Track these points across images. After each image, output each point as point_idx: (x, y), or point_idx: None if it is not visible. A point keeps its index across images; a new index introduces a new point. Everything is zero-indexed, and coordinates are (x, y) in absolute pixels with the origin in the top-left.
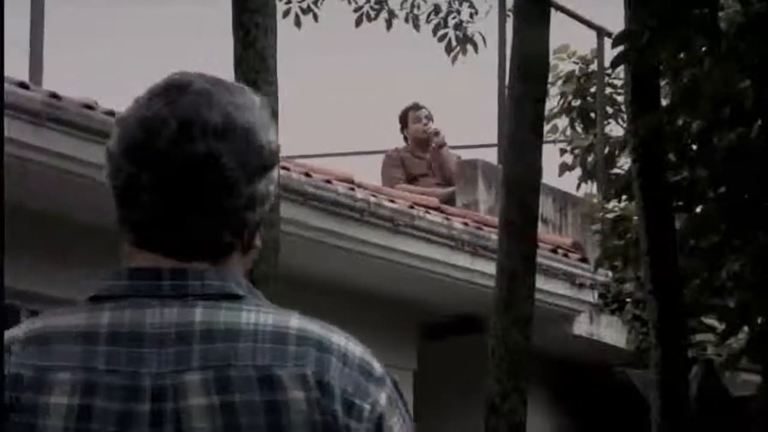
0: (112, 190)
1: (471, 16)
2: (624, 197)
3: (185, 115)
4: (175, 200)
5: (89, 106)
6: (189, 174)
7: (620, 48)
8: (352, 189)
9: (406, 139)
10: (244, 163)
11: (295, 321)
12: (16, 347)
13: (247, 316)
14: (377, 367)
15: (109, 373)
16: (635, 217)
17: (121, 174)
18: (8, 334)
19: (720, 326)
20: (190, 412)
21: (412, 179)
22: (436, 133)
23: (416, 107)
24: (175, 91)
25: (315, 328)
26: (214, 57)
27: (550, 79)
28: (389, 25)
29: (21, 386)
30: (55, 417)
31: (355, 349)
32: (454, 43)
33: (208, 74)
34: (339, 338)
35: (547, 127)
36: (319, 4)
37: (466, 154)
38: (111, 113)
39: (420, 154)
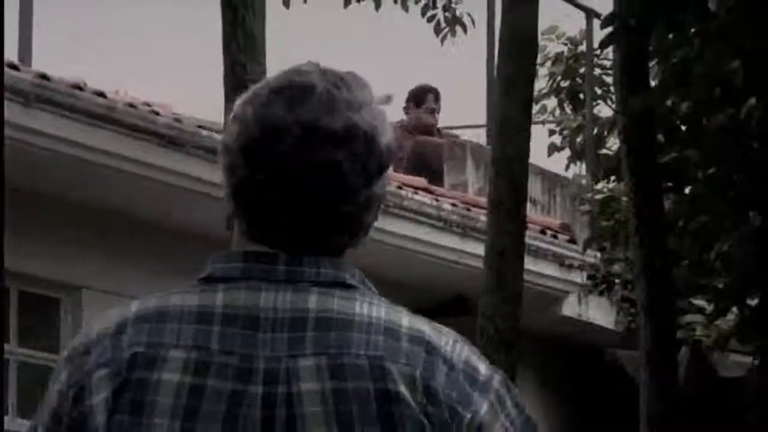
0: (227, 183)
1: None
2: (613, 178)
3: (308, 121)
4: (293, 204)
5: (78, 87)
6: (309, 180)
7: (609, 29)
8: None
9: (406, 111)
10: (363, 169)
11: (406, 318)
12: (129, 330)
13: (360, 307)
14: (483, 371)
15: (222, 354)
16: (624, 198)
17: (238, 172)
18: (120, 314)
19: (709, 307)
20: (302, 397)
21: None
22: (436, 121)
23: (436, 96)
24: (297, 94)
25: (425, 327)
26: (206, 32)
27: (538, 60)
28: (378, 5)
29: (134, 364)
30: (165, 394)
31: (462, 351)
32: (442, 24)
33: (328, 69)
34: (447, 339)
35: (535, 108)
36: None
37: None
38: (100, 94)
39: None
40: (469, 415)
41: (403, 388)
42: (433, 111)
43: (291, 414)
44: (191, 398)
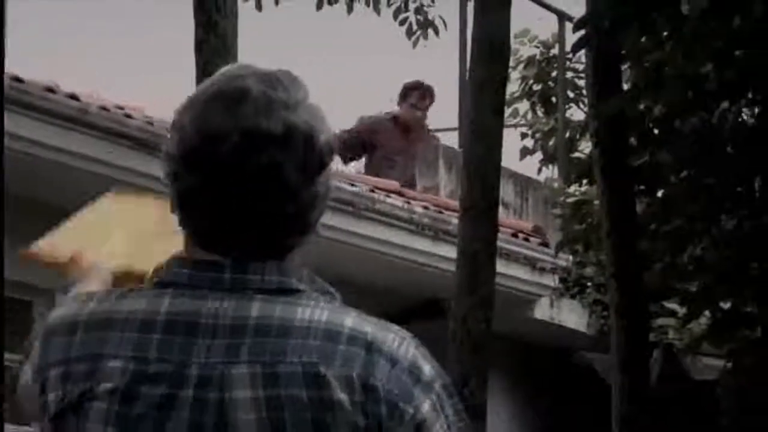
0: (171, 191)
1: (432, 0)
2: (585, 181)
3: (246, 125)
4: (237, 209)
5: (51, 90)
6: (251, 184)
7: (582, 32)
8: None
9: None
10: (304, 168)
11: (349, 320)
12: (80, 334)
13: (303, 312)
14: (427, 371)
15: (158, 362)
16: (596, 201)
17: (181, 180)
18: (76, 313)
19: (681, 310)
20: (235, 404)
21: (383, 158)
22: (424, 120)
23: (426, 94)
24: (233, 98)
25: (369, 327)
26: (179, 34)
27: (511, 64)
28: (350, 8)
29: (76, 373)
30: (101, 400)
31: (408, 350)
32: (414, 27)
33: (262, 70)
34: (393, 338)
35: (508, 111)
36: None
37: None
38: (73, 96)
39: (408, 132)
40: (411, 410)
41: (338, 393)
42: (414, 107)
43: (223, 421)
44: (123, 405)
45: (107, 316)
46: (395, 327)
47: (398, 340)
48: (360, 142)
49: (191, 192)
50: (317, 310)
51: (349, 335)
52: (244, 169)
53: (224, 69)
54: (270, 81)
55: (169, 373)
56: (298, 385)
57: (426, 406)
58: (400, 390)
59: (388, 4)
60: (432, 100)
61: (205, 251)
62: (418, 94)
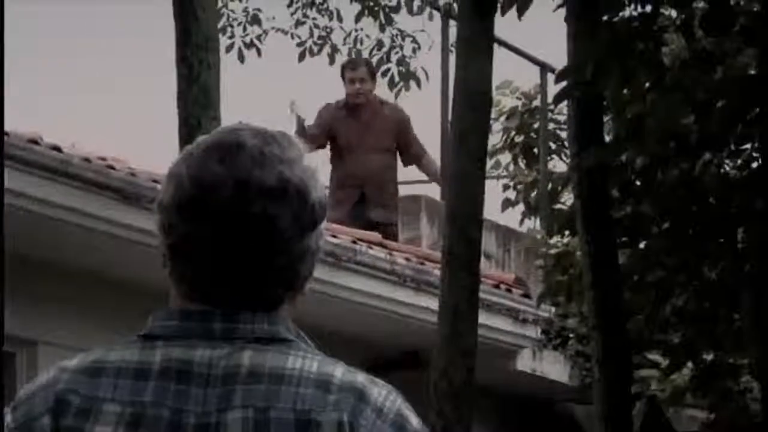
0: (163, 242)
1: (414, 51)
2: (567, 233)
3: (241, 176)
4: (229, 258)
5: (35, 141)
6: (244, 234)
7: (563, 83)
8: None
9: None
10: (296, 221)
11: (339, 370)
12: (66, 375)
13: (293, 361)
14: (413, 423)
15: (155, 406)
16: (578, 253)
17: (175, 230)
18: (60, 366)
19: (664, 362)
20: None
21: (341, 148)
22: (362, 93)
23: (352, 66)
24: (228, 151)
25: (358, 378)
26: (163, 87)
27: (493, 115)
28: (332, 60)
29: (67, 412)
30: None
31: (394, 403)
32: (397, 78)
33: (258, 127)
34: (380, 391)
35: (490, 163)
36: (262, 38)
37: (409, 190)
38: (56, 148)
39: (358, 114)
40: None
41: None
42: (352, 81)
43: None
44: None
45: (96, 365)
46: (381, 381)
47: (385, 392)
48: (323, 134)
49: (184, 241)
50: (307, 360)
51: (340, 385)
52: (238, 219)
53: (221, 127)
54: (265, 137)
55: (166, 418)
56: (290, 431)
57: None
58: None
59: (370, 55)
60: (369, 68)
61: (193, 302)
62: (348, 68)
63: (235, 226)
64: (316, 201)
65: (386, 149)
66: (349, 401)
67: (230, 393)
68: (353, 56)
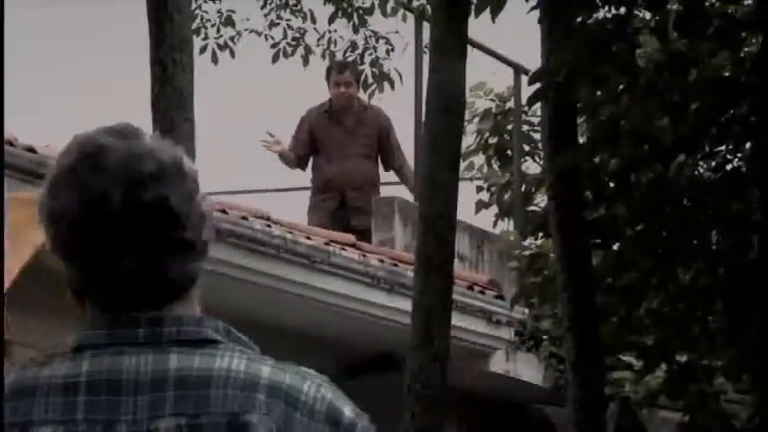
0: (76, 272)
1: (387, 52)
2: (541, 234)
3: (120, 173)
4: (143, 255)
5: (9, 143)
6: (147, 224)
7: (537, 85)
8: (269, 226)
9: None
10: (184, 195)
11: (266, 369)
12: (7, 405)
13: (221, 362)
14: (347, 414)
15: (87, 422)
16: (552, 255)
17: (82, 255)
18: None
19: (638, 363)
20: None
21: (323, 153)
22: (347, 97)
23: (339, 68)
24: (97, 157)
25: (286, 377)
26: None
27: (466, 117)
28: (306, 61)
29: None
30: None
31: (326, 396)
32: (370, 79)
33: (102, 127)
34: (309, 386)
35: (463, 165)
36: (235, 40)
37: (382, 192)
38: (31, 149)
39: (341, 119)
40: None
41: None
42: (337, 85)
43: None
44: None
45: (31, 383)
46: (312, 373)
47: (315, 387)
48: (307, 141)
49: (93, 258)
50: (234, 360)
51: (268, 386)
52: (136, 213)
53: (70, 143)
54: (117, 132)
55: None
56: None
57: None
58: None
59: (344, 57)
60: (354, 73)
61: (113, 311)
62: (335, 71)
63: (135, 220)
64: (193, 172)
65: (368, 155)
66: (279, 406)
67: (161, 400)
68: (331, 60)
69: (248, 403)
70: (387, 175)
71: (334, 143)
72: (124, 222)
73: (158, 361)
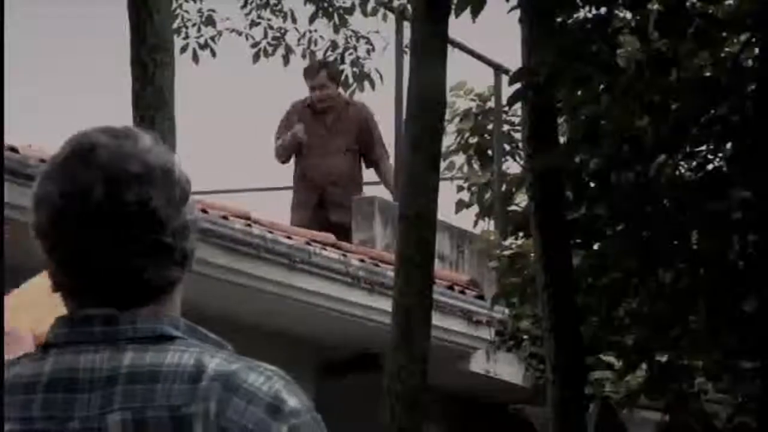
0: (51, 261)
1: (368, 52)
2: (521, 234)
3: (106, 171)
4: (119, 253)
5: None
6: (127, 224)
7: (518, 85)
8: (249, 225)
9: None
10: (169, 199)
11: (215, 361)
12: None
13: (172, 357)
14: (291, 404)
15: (43, 420)
16: (532, 255)
17: (65, 249)
18: None
19: (618, 363)
20: None
21: (304, 149)
22: (324, 99)
23: (311, 72)
24: (86, 154)
25: (232, 367)
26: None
27: (447, 116)
28: (286, 61)
29: None
30: None
31: (272, 387)
32: (351, 79)
33: (101, 127)
34: (256, 377)
35: (444, 164)
36: (216, 39)
37: (363, 191)
38: (13, 149)
39: (322, 116)
40: None
41: (198, 428)
42: (313, 88)
43: None
44: None
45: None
46: (264, 366)
47: (262, 378)
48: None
49: (71, 253)
50: (186, 354)
51: (211, 375)
52: (116, 212)
53: (68, 139)
54: (114, 133)
55: (53, 430)
56: (165, 428)
57: None
58: (255, 424)
59: (325, 57)
60: (329, 72)
61: (86, 306)
62: (308, 75)
63: (115, 219)
64: (180, 176)
65: (349, 150)
66: (216, 391)
67: (111, 395)
68: (311, 60)
69: (190, 395)
70: (369, 175)
71: (315, 139)
72: (103, 218)
73: (113, 358)
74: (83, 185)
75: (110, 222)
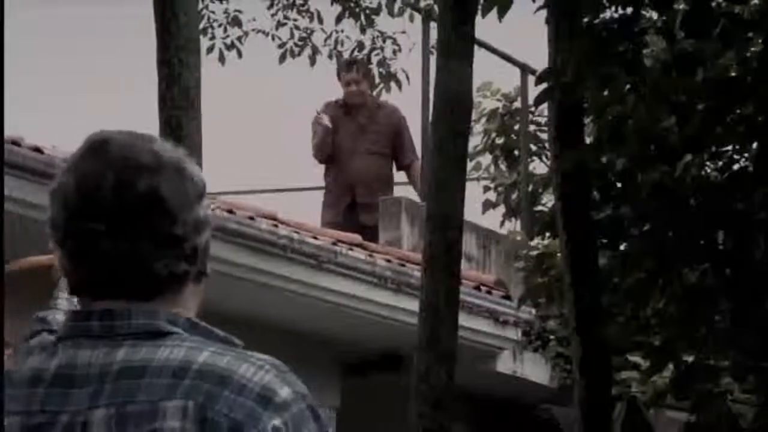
0: (66, 254)
1: (394, 52)
2: (548, 234)
3: (117, 162)
4: (132, 241)
5: (16, 143)
6: (137, 213)
7: (544, 85)
8: (276, 226)
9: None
10: (180, 192)
11: (204, 355)
12: None
13: (162, 352)
14: (283, 394)
15: (40, 413)
16: (559, 254)
17: (74, 237)
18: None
19: (645, 363)
20: None
21: (335, 149)
22: (358, 94)
23: (348, 67)
24: (99, 147)
25: (222, 361)
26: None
27: (473, 117)
28: (313, 61)
29: None
30: None
31: (263, 377)
32: (377, 80)
33: (122, 130)
34: (247, 368)
35: (470, 165)
36: (243, 40)
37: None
38: (38, 150)
39: (354, 116)
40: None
41: (174, 422)
42: (348, 84)
43: None
44: None
45: (8, 377)
46: (257, 356)
47: (253, 369)
48: (330, 132)
49: (85, 242)
50: (176, 349)
51: (198, 370)
52: (128, 201)
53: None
54: (130, 133)
55: (45, 423)
56: (144, 422)
57: (274, 424)
58: (245, 415)
59: (351, 57)
60: (366, 69)
61: (95, 299)
62: (343, 69)
63: (127, 209)
64: (195, 173)
65: (380, 152)
66: (201, 386)
67: (99, 391)
68: (338, 61)
69: (171, 390)
70: (397, 176)
71: (347, 140)
72: (113, 207)
73: (109, 353)
74: (95, 175)
75: (119, 210)
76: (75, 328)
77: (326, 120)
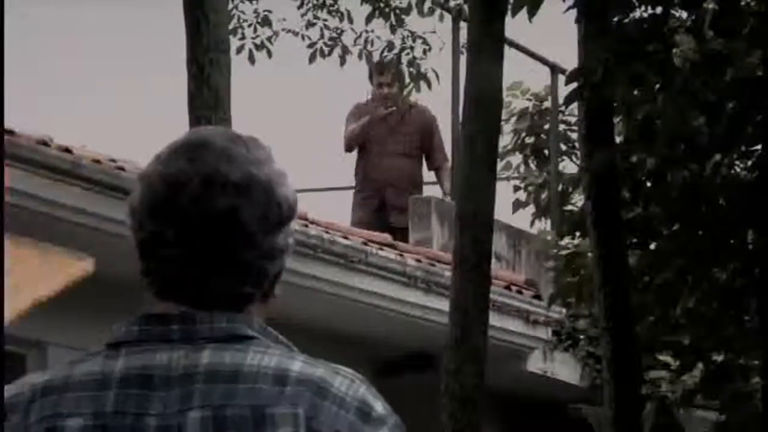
0: (136, 243)
1: (424, 52)
2: (578, 234)
3: (207, 171)
4: (197, 254)
5: (44, 143)
6: (210, 229)
7: (574, 85)
8: (306, 226)
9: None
10: (262, 217)
11: (297, 364)
12: (38, 401)
13: (252, 358)
14: (378, 408)
15: (117, 415)
16: (589, 254)
17: (145, 229)
18: (33, 383)
19: (674, 363)
20: None
21: (365, 150)
22: (389, 97)
23: (379, 69)
24: (195, 149)
25: (317, 371)
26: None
27: (503, 116)
28: (343, 61)
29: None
30: None
31: (357, 391)
32: (407, 79)
33: (228, 129)
34: (341, 381)
35: (500, 164)
36: (273, 40)
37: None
38: (66, 150)
39: (385, 117)
40: None
41: (287, 429)
42: (380, 86)
43: None
44: None
45: (63, 381)
46: (344, 369)
47: (347, 382)
48: (364, 130)
49: (153, 239)
50: (266, 356)
51: (296, 378)
52: (205, 214)
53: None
54: (231, 137)
55: (129, 425)
56: (247, 427)
57: None
58: (347, 428)
59: (381, 58)
60: (397, 71)
61: (162, 301)
62: (375, 72)
63: (201, 222)
64: (283, 199)
65: (410, 154)
66: (305, 395)
67: (189, 393)
68: (371, 59)
69: (274, 397)
70: (427, 175)
71: (377, 141)
72: (187, 216)
73: (190, 356)
74: (183, 177)
75: (196, 222)
76: (149, 333)
77: (364, 117)
